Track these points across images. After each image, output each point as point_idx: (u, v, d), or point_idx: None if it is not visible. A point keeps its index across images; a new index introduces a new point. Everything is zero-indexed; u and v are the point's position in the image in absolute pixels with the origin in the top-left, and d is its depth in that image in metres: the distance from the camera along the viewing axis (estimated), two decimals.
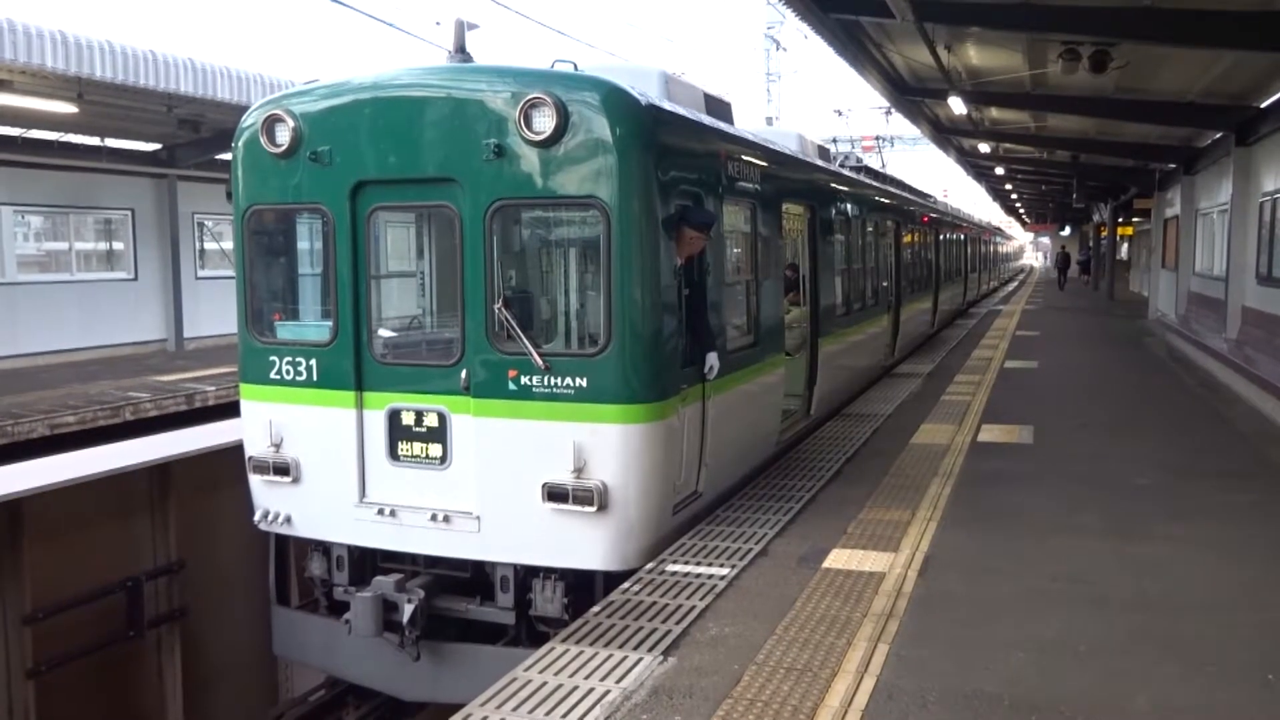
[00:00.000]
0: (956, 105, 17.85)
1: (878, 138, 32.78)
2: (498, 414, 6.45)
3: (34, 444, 12.09)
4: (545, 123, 6.15)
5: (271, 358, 7.11)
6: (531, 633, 6.63)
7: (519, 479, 6.38)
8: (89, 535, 8.98)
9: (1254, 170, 16.70)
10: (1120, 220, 36.45)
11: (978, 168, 35.39)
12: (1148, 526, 7.29)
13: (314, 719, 8.46)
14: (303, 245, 7.52)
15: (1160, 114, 18.21)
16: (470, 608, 6.79)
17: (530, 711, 4.48)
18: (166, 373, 17.12)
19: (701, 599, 5.77)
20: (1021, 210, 62.62)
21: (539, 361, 6.31)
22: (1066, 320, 26.88)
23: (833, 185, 12.12)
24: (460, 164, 6.44)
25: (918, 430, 10.82)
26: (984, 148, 27.16)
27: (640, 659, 4.99)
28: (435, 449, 6.69)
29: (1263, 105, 16.00)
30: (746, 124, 10.25)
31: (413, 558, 6.94)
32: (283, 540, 7.62)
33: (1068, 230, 60.60)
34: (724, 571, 6.21)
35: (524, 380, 6.38)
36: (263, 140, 6.93)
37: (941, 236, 23.56)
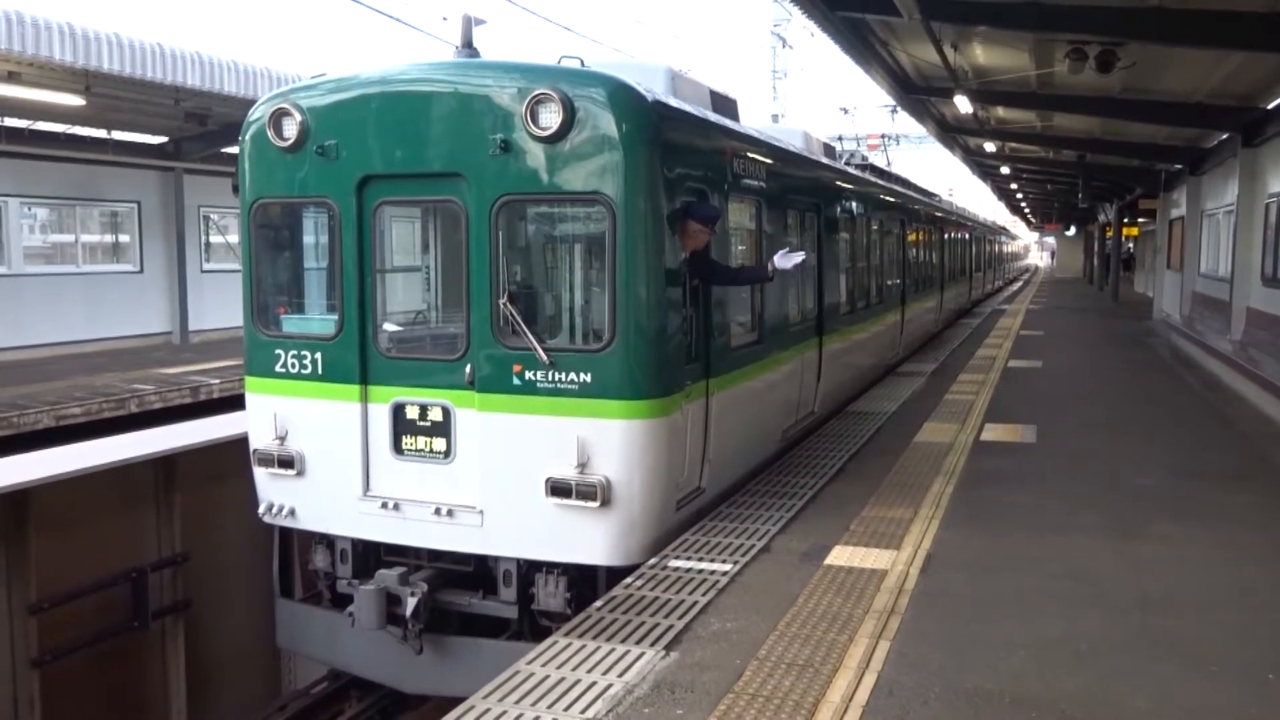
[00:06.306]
0: (962, 104, 17.83)
1: (883, 136, 32.71)
2: (502, 409, 6.47)
3: (40, 435, 12.14)
4: (551, 118, 6.16)
5: (277, 351, 7.12)
6: (534, 627, 6.65)
7: (522, 474, 6.40)
8: (94, 526, 9.01)
9: (1260, 171, 16.68)
10: (1126, 221, 36.37)
11: (983, 167, 35.33)
12: (1149, 526, 7.30)
13: (316, 711, 8.49)
14: (309, 239, 7.53)
15: (1167, 114, 18.18)
16: (473, 601, 6.81)
17: (533, 705, 4.50)
18: (172, 365, 17.18)
19: (704, 594, 5.78)
20: (1026, 210, 62.51)
21: (543, 357, 6.33)
22: (1071, 320, 26.85)
23: (838, 183, 12.12)
24: (466, 159, 6.46)
25: (921, 429, 10.82)
26: (989, 147, 27.10)
27: (642, 653, 5.01)
28: (439, 443, 6.71)
29: (1270, 106, 15.99)
30: (752, 121, 10.26)
31: (416, 551, 6.96)
32: (286, 533, 7.64)
33: (1073, 230, 60.45)
34: (726, 567, 6.23)
35: (528, 375, 6.40)
36: (269, 134, 6.94)
37: (946, 235, 23.53)
